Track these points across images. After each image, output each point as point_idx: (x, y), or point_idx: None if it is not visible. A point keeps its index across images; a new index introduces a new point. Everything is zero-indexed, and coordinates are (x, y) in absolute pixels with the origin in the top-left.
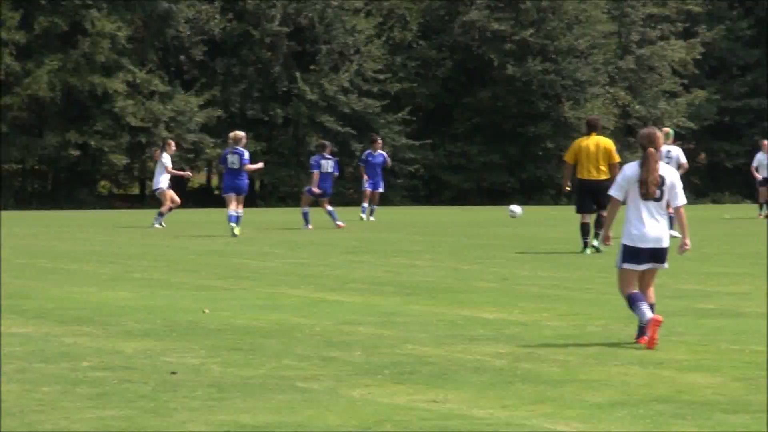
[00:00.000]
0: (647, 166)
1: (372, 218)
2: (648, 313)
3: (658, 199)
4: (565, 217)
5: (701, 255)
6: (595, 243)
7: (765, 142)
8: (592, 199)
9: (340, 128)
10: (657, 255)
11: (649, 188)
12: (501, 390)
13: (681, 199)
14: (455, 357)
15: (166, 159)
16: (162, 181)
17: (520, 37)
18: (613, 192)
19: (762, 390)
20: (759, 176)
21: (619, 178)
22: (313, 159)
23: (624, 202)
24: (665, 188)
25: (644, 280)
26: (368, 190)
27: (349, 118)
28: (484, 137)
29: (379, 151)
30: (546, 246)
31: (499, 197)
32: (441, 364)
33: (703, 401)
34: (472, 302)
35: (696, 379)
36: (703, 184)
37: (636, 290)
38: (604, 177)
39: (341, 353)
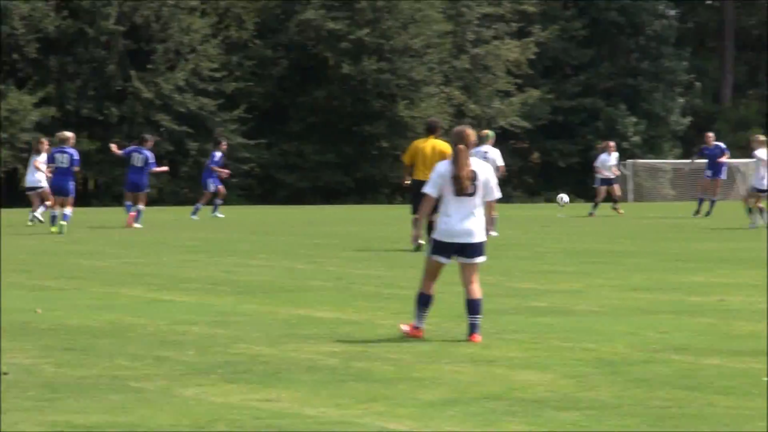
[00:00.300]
0: (459, 162)
1: (220, 215)
2: (420, 324)
3: (472, 195)
4: (399, 216)
5: (534, 253)
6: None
7: (611, 143)
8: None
9: (176, 127)
10: (465, 250)
11: (462, 184)
12: (334, 389)
13: (496, 193)
14: (289, 356)
15: (41, 158)
16: (40, 179)
17: (355, 37)
18: (428, 189)
19: (592, 387)
20: (601, 176)
21: (433, 175)
22: (125, 150)
23: (438, 200)
24: (479, 183)
25: (465, 275)
26: (220, 187)
27: (185, 117)
28: (320, 136)
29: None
30: (380, 245)
31: (334, 196)
32: (274, 363)
33: (534, 398)
34: (306, 301)
35: (527, 377)
36: (537, 183)
37: (431, 292)
38: None
39: (175, 353)
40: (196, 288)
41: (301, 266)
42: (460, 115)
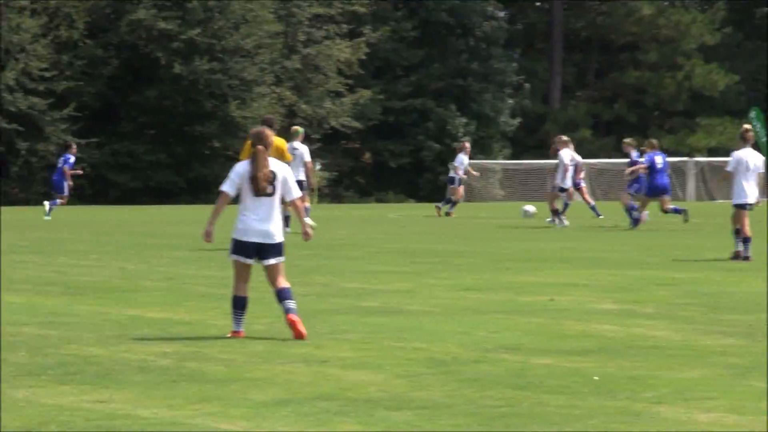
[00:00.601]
0: (257, 163)
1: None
2: (238, 328)
3: (271, 195)
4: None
5: (366, 253)
6: None
7: (466, 144)
8: None
9: (6, 125)
10: (264, 250)
11: (260, 184)
12: (166, 389)
13: (295, 192)
14: (120, 357)
15: None
16: None
17: (187, 37)
18: (224, 187)
19: (424, 387)
20: (458, 176)
21: (231, 173)
22: None
23: (236, 198)
24: (277, 183)
25: (269, 276)
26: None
27: (15, 116)
28: (151, 136)
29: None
30: (212, 245)
31: (166, 196)
32: (106, 364)
33: (366, 398)
34: (138, 302)
35: (360, 377)
36: (368, 183)
37: (244, 293)
38: None
39: (5, 354)
40: (27, 289)
41: (133, 266)
42: (291, 115)
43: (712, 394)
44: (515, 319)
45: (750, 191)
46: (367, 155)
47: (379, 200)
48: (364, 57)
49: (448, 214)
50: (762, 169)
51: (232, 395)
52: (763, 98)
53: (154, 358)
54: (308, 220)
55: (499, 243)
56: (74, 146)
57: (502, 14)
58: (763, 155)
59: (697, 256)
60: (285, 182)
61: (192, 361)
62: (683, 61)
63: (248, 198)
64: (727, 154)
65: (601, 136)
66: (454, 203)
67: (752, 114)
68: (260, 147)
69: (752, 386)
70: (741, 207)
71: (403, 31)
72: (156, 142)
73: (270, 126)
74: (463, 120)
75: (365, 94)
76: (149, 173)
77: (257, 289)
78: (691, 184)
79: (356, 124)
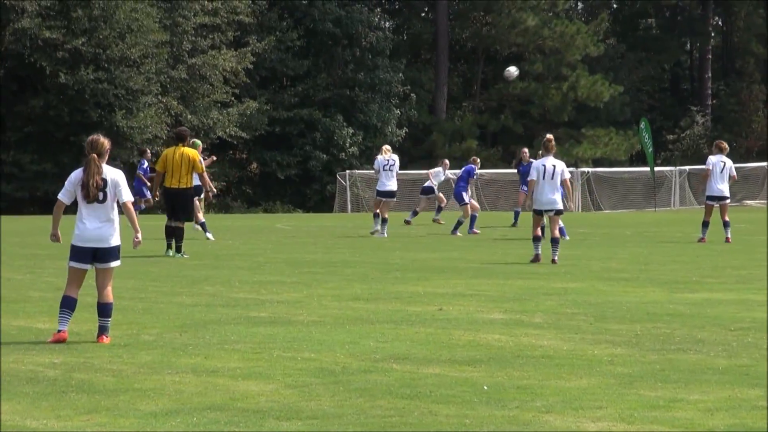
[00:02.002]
0: (89, 170)
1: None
2: (63, 327)
3: (102, 201)
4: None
5: (254, 264)
6: (169, 253)
7: (446, 161)
8: (172, 206)
9: None
10: (99, 255)
11: (90, 191)
12: (55, 400)
13: (125, 195)
14: (9, 368)
15: None
16: None
17: (72, 46)
18: (60, 195)
19: (314, 397)
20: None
21: (66, 182)
22: None
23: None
24: (109, 189)
25: (99, 280)
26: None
27: None
28: (37, 146)
29: None
30: None
31: (53, 206)
32: None
33: (256, 409)
34: (26, 312)
35: (249, 387)
36: (256, 193)
37: (74, 295)
38: (185, 186)
39: None
40: None
41: (20, 277)
42: (178, 125)
43: (601, 402)
44: (404, 328)
45: (553, 197)
46: (254, 165)
47: (267, 210)
48: (250, 66)
49: (435, 220)
50: (567, 175)
51: (121, 406)
52: (648, 109)
53: (43, 369)
54: (209, 235)
55: (388, 253)
56: (148, 152)
57: (387, 25)
58: (650, 165)
59: (583, 266)
60: (116, 186)
61: (80, 371)
62: (568, 72)
63: (82, 205)
64: (612, 164)
65: (488, 147)
66: (440, 208)
67: (642, 125)
68: (93, 155)
69: (640, 395)
70: (538, 213)
71: (289, 40)
72: (42, 151)
73: (182, 139)
74: (350, 130)
75: (252, 104)
76: (35, 183)
77: (147, 299)
78: (577, 195)
79: (243, 135)
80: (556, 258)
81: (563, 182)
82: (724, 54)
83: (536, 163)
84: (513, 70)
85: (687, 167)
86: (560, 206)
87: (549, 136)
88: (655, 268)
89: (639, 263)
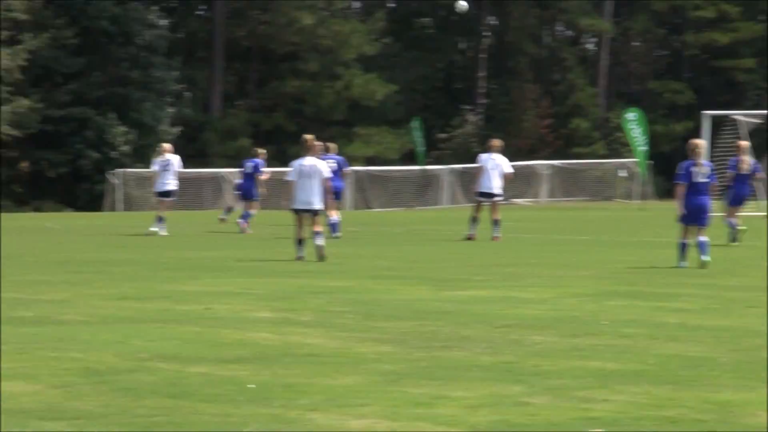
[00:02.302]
0: None
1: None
2: None
3: None
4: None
5: (22, 264)
6: None
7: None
8: None
9: None
10: None
11: None
12: None
13: None
14: None
15: None
16: None
17: None
18: None
19: (79, 397)
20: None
21: None
22: None
23: None
24: None
25: None
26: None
27: None
28: None
29: None
30: None
31: None
32: None
33: (19, 409)
34: None
35: (13, 388)
36: (26, 192)
37: None
38: None
39: None
40: None
41: None
42: None
43: (366, 400)
44: (172, 327)
45: (313, 198)
46: (25, 164)
47: (37, 209)
48: (24, 64)
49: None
50: (327, 174)
51: None
52: (421, 108)
53: None
54: None
55: (160, 251)
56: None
57: (164, 23)
58: (421, 164)
59: (353, 265)
60: None
61: None
62: (343, 71)
63: None
64: (384, 163)
65: (261, 145)
66: (230, 209)
67: (415, 124)
68: None
69: (405, 392)
70: (296, 212)
71: (64, 38)
72: None
73: None
74: (124, 128)
75: (24, 102)
76: None
77: None
78: (349, 193)
79: (15, 132)
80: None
81: (323, 181)
82: (497, 53)
83: (295, 163)
84: (463, 4)
85: (458, 165)
86: (319, 206)
87: (307, 135)
88: (424, 266)
89: (408, 261)
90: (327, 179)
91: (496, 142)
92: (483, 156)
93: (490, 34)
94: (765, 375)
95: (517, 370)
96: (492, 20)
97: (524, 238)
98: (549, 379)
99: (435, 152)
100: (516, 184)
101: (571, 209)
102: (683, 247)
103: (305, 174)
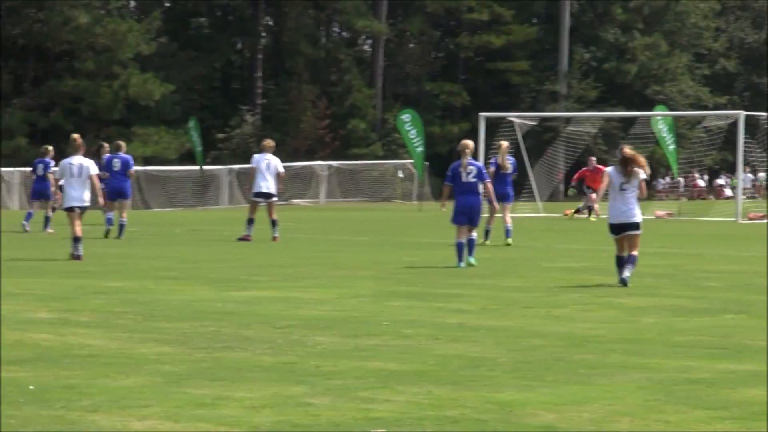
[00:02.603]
0: None
1: None
2: None
3: None
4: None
5: None
6: None
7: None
8: None
9: None
10: None
11: None
12: None
13: None
14: None
15: None
16: None
17: None
18: None
19: None
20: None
21: None
22: None
23: None
24: None
25: None
26: None
27: None
28: None
29: None
30: None
31: None
32: None
33: None
34: None
35: None
36: None
37: None
38: None
39: None
40: None
41: None
42: None
43: (148, 401)
44: None
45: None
46: None
47: None
48: None
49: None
50: (94, 171)
51: None
52: (199, 108)
53: None
54: None
55: None
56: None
57: None
58: (199, 164)
59: (133, 265)
60: None
61: None
62: (120, 71)
63: None
64: (162, 162)
65: (38, 144)
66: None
67: (190, 124)
68: None
69: (187, 393)
70: (69, 210)
71: None
72: None
73: None
74: None
75: None
76: None
77: None
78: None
79: None
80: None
81: (90, 178)
82: (274, 54)
83: (63, 163)
84: None
85: (236, 166)
86: (87, 204)
87: (74, 135)
88: (204, 266)
89: (188, 262)
90: (94, 176)
91: (269, 143)
92: (256, 156)
93: (265, 34)
94: (544, 374)
95: (299, 370)
96: (269, 21)
97: (304, 238)
98: (331, 379)
99: (214, 152)
100: (295, 184)
101: (351, 210)
102: (460, 248)
103: (73, 173)
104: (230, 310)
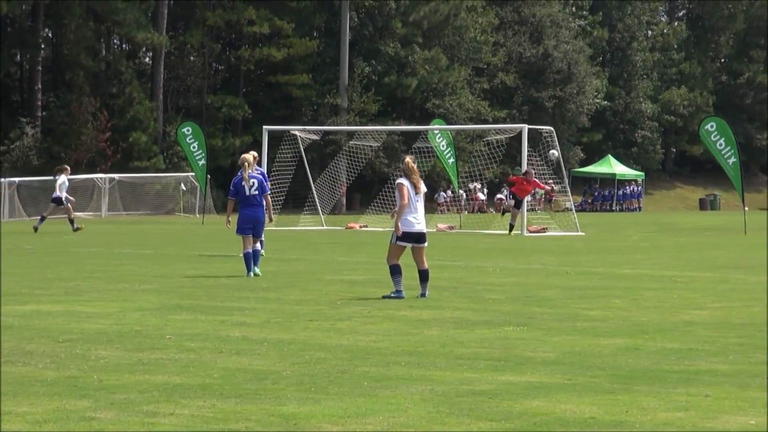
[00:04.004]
0: None
1: None
2: None
3: None
4: None
5: None
6: None
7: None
8: None
9: None
10: None
11: None
12: None
13: None
14: None
15: None
16: None
17: None
18: None
19: None
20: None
21: None
22: None
23: None
24: None
25: None
26: None
27: None
28: None
29: None
30: None
31: None
32: None
33: None
34: None
35: None
36: None
37: None
38: None
39: None
40: None
41: None
42: None
43: None
44: None
45: None
46: None
47: None
48: None
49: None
50: None
51: None
52: None
53: None
54: None
55: None
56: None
57: None
58: None
59: None
60: None
61: None
62: None
63: None
64: None
65: None
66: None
67: None
68: None
69: None
70: None
71: None
72: None
73: None
74: None
75: None
76: None
77: None
78: None
79: None
80: None
81: None
82: (54, 66)
83: None
84: (555, 153)
85: (17, 179)
86: None
87: None
88: None
89: None
90: None
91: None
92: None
93: (44, 46)
94: (328, 387)
95: (82, 384)
96: (48, 33)
97: (86, 252)
98: (114, 393)
99: None
100: (76, 197)
101: (133, 223)
102: (248, 258)
103: None
104: (11, 324)
